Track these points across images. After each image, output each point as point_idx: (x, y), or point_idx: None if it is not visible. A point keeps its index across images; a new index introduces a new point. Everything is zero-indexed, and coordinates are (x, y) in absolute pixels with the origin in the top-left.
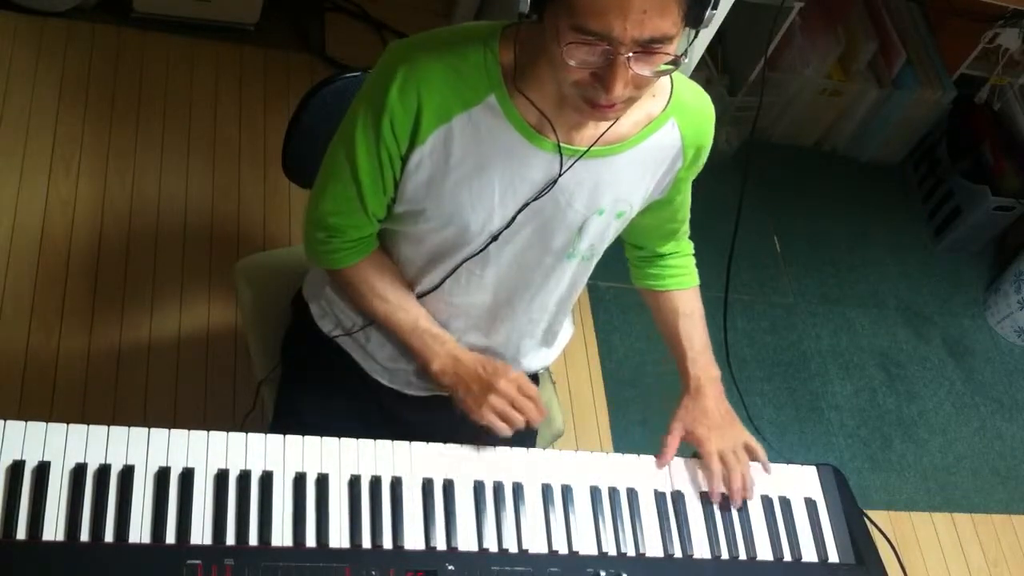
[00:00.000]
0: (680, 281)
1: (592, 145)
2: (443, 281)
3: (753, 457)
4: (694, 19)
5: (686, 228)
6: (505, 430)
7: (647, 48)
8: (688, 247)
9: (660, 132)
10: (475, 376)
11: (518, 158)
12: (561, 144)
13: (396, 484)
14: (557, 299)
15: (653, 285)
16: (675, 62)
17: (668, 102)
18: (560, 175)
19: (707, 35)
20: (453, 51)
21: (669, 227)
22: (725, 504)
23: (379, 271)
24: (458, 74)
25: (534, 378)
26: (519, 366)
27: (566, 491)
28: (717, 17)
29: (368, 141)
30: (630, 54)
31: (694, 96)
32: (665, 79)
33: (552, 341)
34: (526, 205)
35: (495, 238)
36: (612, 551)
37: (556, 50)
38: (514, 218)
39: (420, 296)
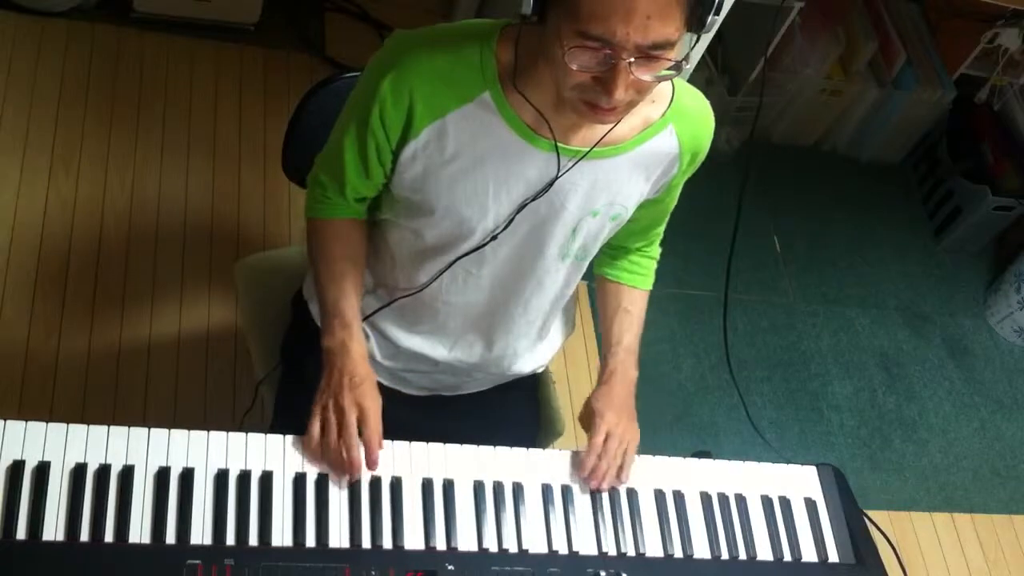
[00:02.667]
0: (634, 279)
1: (593, 147)
2: (439, 277)
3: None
4: (696, 24)
5: (661, 231)
6: (311, 440)
7: (649, 53)
8: (655, 251)
9: (658, 137)
10: (340, 378)
11: (513, 156)
12: (558, 144)
13: (396, 484)
14: (552, 299)
15: (607, 273)
16: (677, 67)
17: (668, 108)
18: (559, 176)
19: (707, 36)
20: (449, 47)
21: (649, 229)
22: (724, 504)
23: (344, 241)
24: (453, 70)
25: (533, 378)
26: (515, 367)
27: (566, 491)
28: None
29: (356, 130)
30: (632, 59)
31: (695, 102)
32: (667, 84)
33: (551, 343)
34: (524, 205)
35: (494, 237)
36: (612, 551)
37: (558, 53)
38: (512, 218)
39: (417, 292)
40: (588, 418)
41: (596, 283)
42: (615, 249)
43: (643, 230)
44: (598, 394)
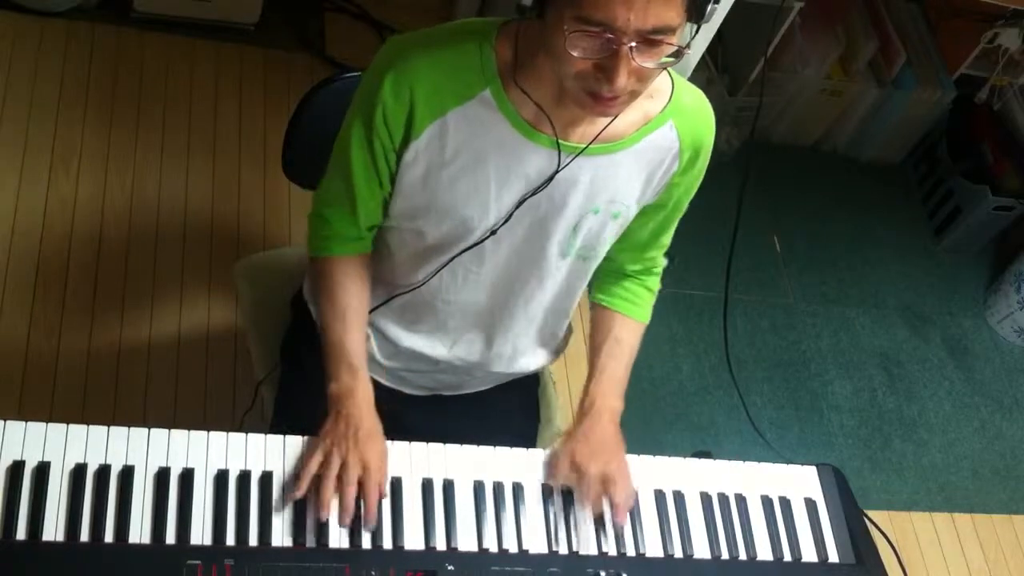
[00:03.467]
0: (630, 309)
1: (592, 141)
2: (438, 274)
3: (607, 490)
4: (696, 12)
5: (661, 258)
6: (306, 472)
7: (650, 39)
8: (655, 283)
9: (657, 133)
10: (347, 429)
11: (513, 153)
12: (558, 140)
13: (396, 484)
14: (553, 298)
15: (603, 299)
16: (677, 54)
17: (667, 104)
18: (559, 170)
19: (707, 35)
20: (448, 46)
21: (649, 243)
22: (724, 504)
23: (351, 280)
24: (452, 68)
25: (533, 378)
26: (516, 366)
27: (566, 491)
28: (718, 14)
29: (362, 133)
30: (633, 44)
31: (694, 99)
32: (666, 81)
33: (552, 343)
34: (523, 200)
35: (493, 232)
36: (612, 551)
37: (559, 41)
38: (512, 213)
39: (417, 289)
40: (558, 467)
41: (591, 311)
42: (613, 273)
43: (643, 245)
44: (573, 438)
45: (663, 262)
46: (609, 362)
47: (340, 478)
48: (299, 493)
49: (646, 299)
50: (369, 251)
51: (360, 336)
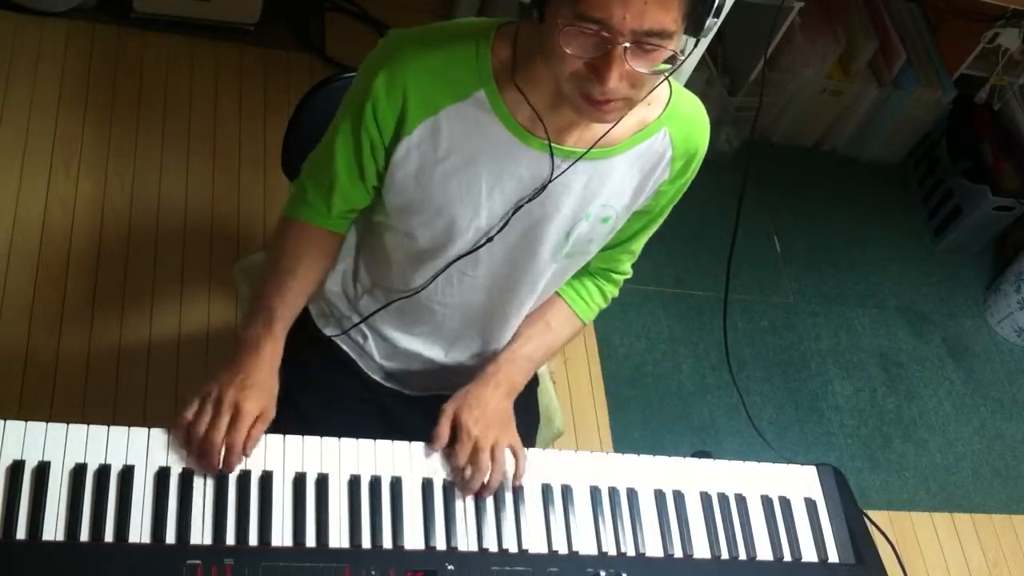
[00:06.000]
0: (576, 303)
1: (591, 148)
2: (434, 279)
3: (514, 464)
4: (694, 23)
5: (627, 267)
6: (181, 422)
7: (645, 42)
8: (612, 291)
9: (651, 139)
10: (234, 375)
11: (507, 155)
12: (552, 144)
13: (396, 484)
14: (540, 297)
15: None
16: (672, 60)
17: (664, 111)
18: (554, 178)
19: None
20: (444, 45)
21: (622, 245)
22: (724, 504)
23: (306, 246)
24: (447, 68)
25: (532, 379)
26: None
27: (566, 491)
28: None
29: (351, 124)
30: (627, 44)
31: (690, 107)
32: (664, 87)
33: None
34: (520, 206)
35: (490, 239)
36: (612, 551)
37: (554, 38)
38: (508, 219)
39: (414, 294)
40: (440, 422)
41: None
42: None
43: (613, 245)
44: (466, 399)
45: (628, 271)
46: (530, 343)
47: (209, 424)
48: (176, 437)
49: (596, 302)
50: (340, 232)
51: (292, 302)
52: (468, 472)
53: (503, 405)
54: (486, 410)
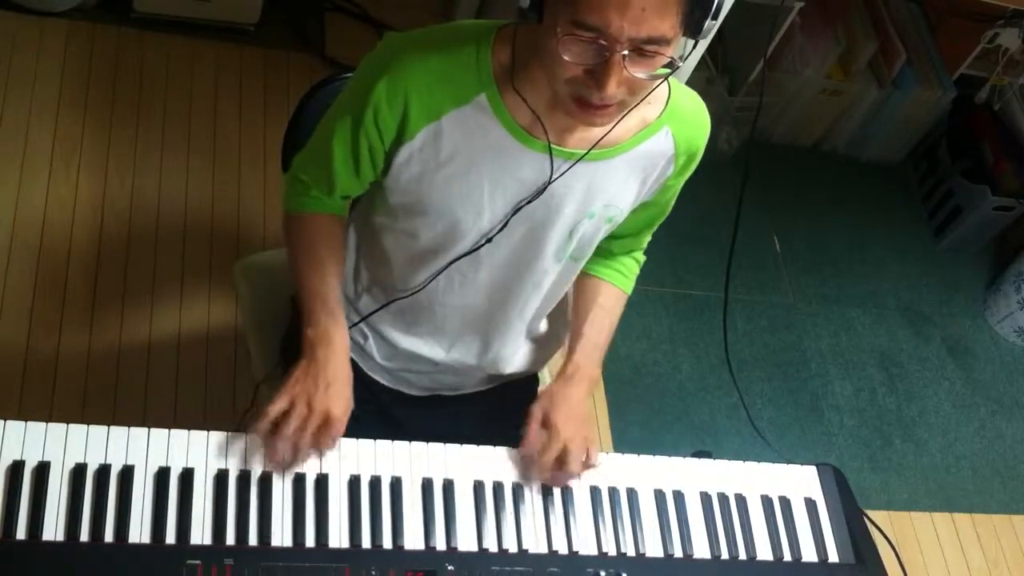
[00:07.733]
0: (616, 278)
1: (590, 149)
2: (434, 279)
3: (588, 460)
4: (693, 28)
5: (648, 237)
6: (264, 418)
7: (643, 48)
8: (640, 256)
9: (653, 139)
10: (317, 376)
11: (508, 157)
12: (552, 146)
13: (396, 484)
14: (544, 299)
15: (588, 268)
16: (670, 65)
17: (664, 109)
18: (554, 179)
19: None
20: (445, 49)
21: (639, 233)
22: (724, 504)
23: (327, 236)
24: (448, 71)
25: (532, 379)
26: (514, 366)
27: (566, 491)
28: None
29: (349, 127)
30: (625, 52)
31: (691, 104)
32: (663, 88)
33: (548, 343)
34: (519, 208)
35: (489, 240)
36: (612, 551)
37: (552, 44)
38: (508, 221)
39: (413, 294)
40: (530, 424)
41: (575, 283)
42: (600, 249)
43: (633, 234)
44: (554, 398)
45: (642, 258)
46: (592, 329)
47: (300, 428)
48: (258, 435)
49: (634, 271)
50: (345, 214)
51: (337, 286)
52: (549, 471)
53: (585, 402)
54: (573, 410)
